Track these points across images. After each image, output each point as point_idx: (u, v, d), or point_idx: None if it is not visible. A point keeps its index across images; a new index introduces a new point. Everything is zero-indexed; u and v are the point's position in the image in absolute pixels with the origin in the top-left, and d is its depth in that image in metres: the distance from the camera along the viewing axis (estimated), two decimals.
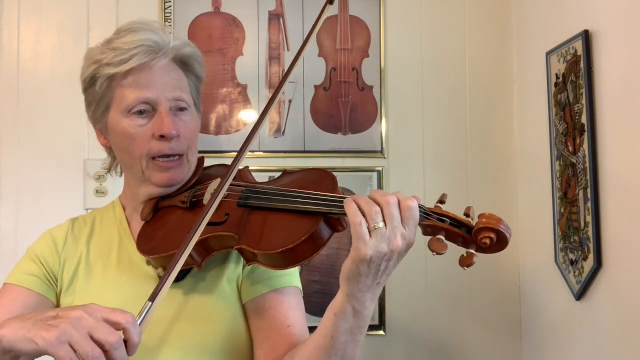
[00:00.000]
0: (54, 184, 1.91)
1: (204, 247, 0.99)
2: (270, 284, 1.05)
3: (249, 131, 1.97)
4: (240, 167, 1.12)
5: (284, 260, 0.91)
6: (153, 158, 1.05)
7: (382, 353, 1.97)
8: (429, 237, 0.87)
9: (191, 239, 0.92)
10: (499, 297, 2.00)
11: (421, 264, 1.99)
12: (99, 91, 1.07)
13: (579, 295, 1.59)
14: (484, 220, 0.86)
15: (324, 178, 0.99)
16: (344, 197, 0.88)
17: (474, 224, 0.87)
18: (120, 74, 1.03)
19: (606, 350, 1.50)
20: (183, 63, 1.10)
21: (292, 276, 1.08)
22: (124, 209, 1.16)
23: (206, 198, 1.03)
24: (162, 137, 1.03)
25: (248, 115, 1.98)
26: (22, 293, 1.06)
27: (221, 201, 1.02)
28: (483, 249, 0.86)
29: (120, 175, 1.19)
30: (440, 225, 0.87)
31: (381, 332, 1.96)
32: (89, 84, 1.08)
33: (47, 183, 1.91)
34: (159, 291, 0.87)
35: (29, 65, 1.93)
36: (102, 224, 1.15)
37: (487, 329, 2.00)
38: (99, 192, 1.91)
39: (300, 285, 1.09)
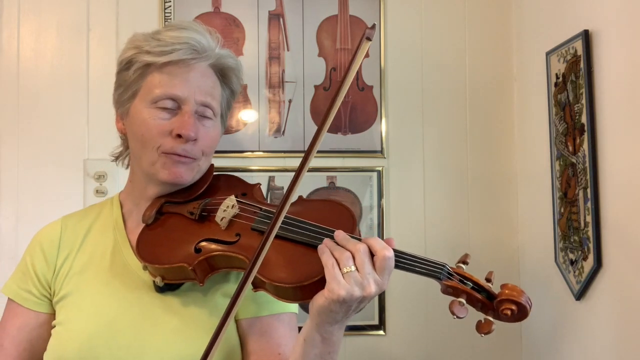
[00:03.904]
0: (54, 184, 1.91)
1: (209, 264, 0.96)
2: (268, 308, 1.04)
3: (248, 131, 1.98)
4: (252, 183, 1.09)
5: (295, 295, 0.90)
6: (164, 153, 1.03)
7: (382, 353, 1.97)
8: (450, 298, 0.87)
9: (247, 280, 0.86)
10: None
11: None
12: (131, 76, 1.05)
13: (579, 295, 1.59)
14: (506, 292, 0.87)
15: (345, 217, 0.97)
16: (359, 238, 0.88)
17: (496, 292, 0.87)
18: (157, 64, 1.02)
19: (606, 350, 1.49)
20: (222, 74, 1.09)
21: None
22: (122, 207, 1.13)
23: (219, 216, 0.99)
24: (179, 136, 1.01)
25: (248, 116, 1.98)
26: (25, 317, 1.07)
27: (232, 220, 0.99)
28: (502, 318, 0.87)
29: (127, 167, 1.16)
30: (462, 288, 0.87)
31: (381, 332, 1.96)
32: (124, 67, 1.06)
33: (47, 183, 1.91)
34: None
35: (29, 65, 1.93)
36: (99, 223, 1.12)
37: None
38: (99, 192, 1.91)
39: (297, 310, 1.09)
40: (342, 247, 0.86)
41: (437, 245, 1.97)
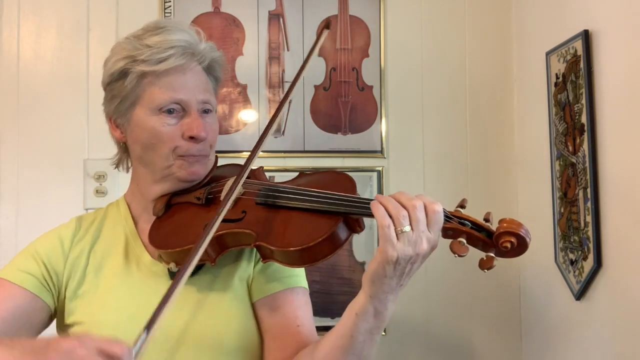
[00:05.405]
0: (54, 184, 1.91)
1: (219, 243, 1.00)
2: (280, 284, 1.06)
3: (248, 131, 1.98)
4: (254, 167, 1.14)
5: (302, 259, 0.93)
6: (180, 156, 1.06)
7: (382, 353, 1.97)
8: (449, 240, 0.89)
9: (206, 237, 0.91)
10: (499, 297, 2.00)
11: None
12: (127, 86, 1.05)
13: (579, 295, 1.59)
14: (505, 225, 0.88)
15: (344, 180, 1.01)
16: (367, 200, 0.90)
17: (494, 229, 0.89)
18: (154, 72, 1.03)
19: (606, 350, 1.50)
20: (208, 66, 1.11)
21: (301, 277, 1.09)
22: (129, 208, 1.15)
23: (223, 195, 1.04)
24: (191, 138, 1.05)
25: (248, 116, 1.98)
26: (14, 293, 1.02)
27: (238, 199, 1.03)
28: (503, 253, 0.88)
29: (127, 171, 1.18)
30: (462, 229, 0.89)
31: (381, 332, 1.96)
32: (116, 77, 1.06)
33: (47, 183, 1.91)
34: (156, 319, 0.84)
35: (29, 65, 1.93)
36: (108, 223, 1.14)
37: (487, 329, 2.00)
38: (99, 192, 1.91)
39: (307, 286, 1.10)
40: (397, 201, 0.85)
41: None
